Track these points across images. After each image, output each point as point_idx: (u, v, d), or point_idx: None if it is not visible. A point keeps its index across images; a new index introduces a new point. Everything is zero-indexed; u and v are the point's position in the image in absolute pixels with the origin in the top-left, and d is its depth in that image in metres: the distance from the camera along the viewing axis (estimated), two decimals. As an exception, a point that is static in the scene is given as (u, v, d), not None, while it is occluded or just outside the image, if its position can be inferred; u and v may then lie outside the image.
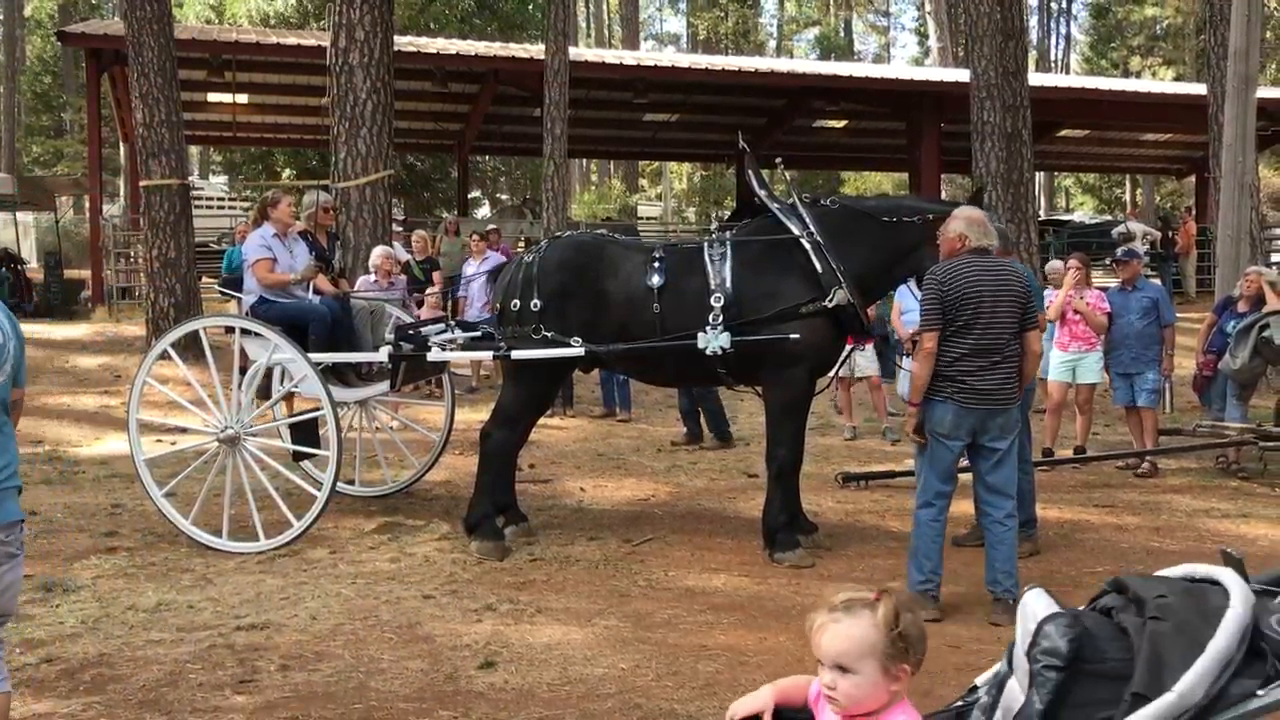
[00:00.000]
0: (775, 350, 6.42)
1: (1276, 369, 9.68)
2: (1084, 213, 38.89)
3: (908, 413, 5.67)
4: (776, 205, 6.74)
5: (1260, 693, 1.77)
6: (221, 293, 9.72)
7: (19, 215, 24.73)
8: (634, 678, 4.59)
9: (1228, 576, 1.94)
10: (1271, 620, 1.85)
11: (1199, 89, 18.03)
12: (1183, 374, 10.74)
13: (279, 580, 6.03)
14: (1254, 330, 8.65)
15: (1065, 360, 9.45)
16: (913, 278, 6.86)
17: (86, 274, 19.49)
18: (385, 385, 7.34)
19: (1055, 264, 10.59)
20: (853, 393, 10.82)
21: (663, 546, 6.85)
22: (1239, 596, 1.86)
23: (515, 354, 6.59)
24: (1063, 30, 54.39)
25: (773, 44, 54.83)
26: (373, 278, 10.30)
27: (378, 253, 10.50)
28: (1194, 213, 23.76)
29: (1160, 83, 34.29)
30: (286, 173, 29.21)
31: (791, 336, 6.32)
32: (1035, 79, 20.83)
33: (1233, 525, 7.48)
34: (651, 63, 24.25)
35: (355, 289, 8.60)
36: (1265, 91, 25.41)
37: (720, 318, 6.39)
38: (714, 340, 6.36)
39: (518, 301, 6.66)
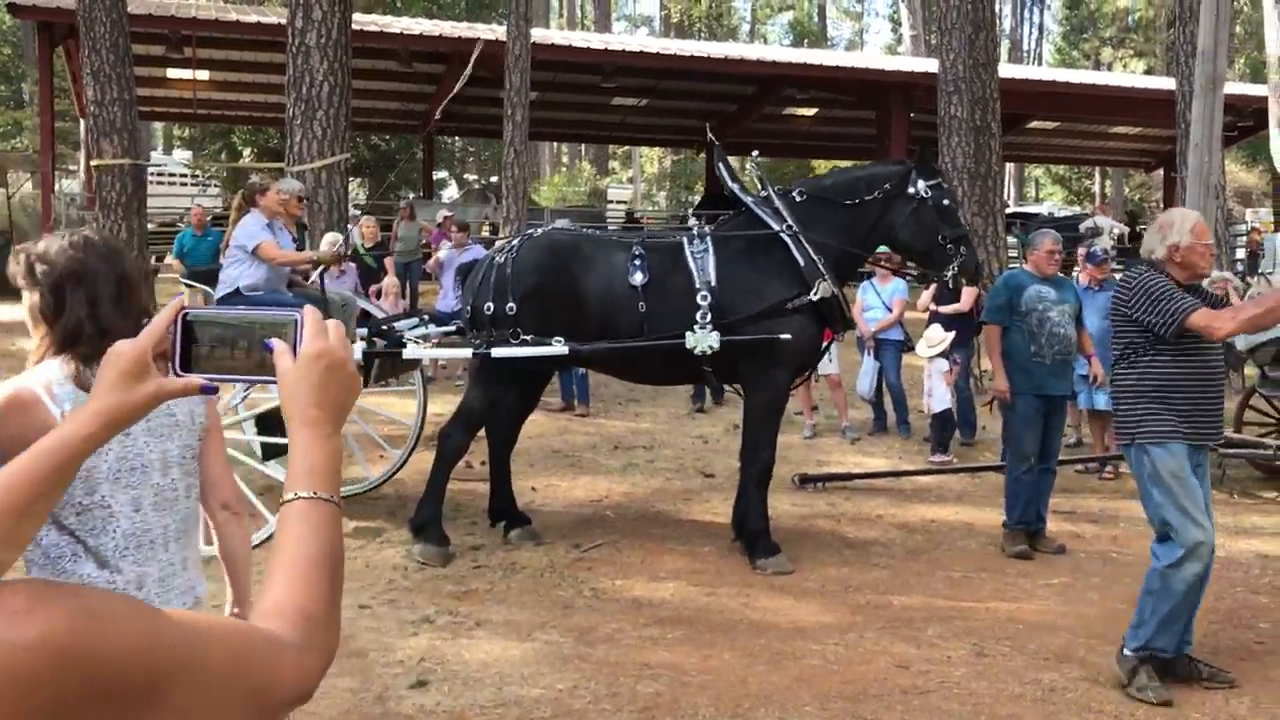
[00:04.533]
0: (763, 349, 6.30)
1: (1238, 373, 9.61)
2: (1053, 204, 38.92)
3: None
4: (750, 199, 6.62)
5: None
6: (186, 284, 9.42)
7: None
8: (571, 700, 4.43)
9: None
10: None
11: (1168, 83, 17.98)
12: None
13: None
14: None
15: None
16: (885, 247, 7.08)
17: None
18: None
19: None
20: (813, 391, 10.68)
21: (613, 552, 6.68)
22: None
23: (496, 352, 6.38)
24: (1036, 20, 54.52)
25: (746, 28, 54.58)
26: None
27: (326, 240, 10.24)
28: (1162, 207, 23.79)
29: (1130, 76, 34.35)
30: (247, 152, 28.75)
31: (783, 337, 6.22)
32: (1006, 70, 20.75)
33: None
34: (619, 46, 23.97)
35: (309, 280, 8.31)
36: (1234, 88, 25.49)
37: (708, 316, 6.25)
38: (703, 340, 6.22)
39: (491, 305, 6.44)
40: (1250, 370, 9.09)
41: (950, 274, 6.67)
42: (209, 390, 1.33)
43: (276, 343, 1.29)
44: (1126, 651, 4.65)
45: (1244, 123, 25.83)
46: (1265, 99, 23.41)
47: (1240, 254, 22.05)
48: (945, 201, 6.59)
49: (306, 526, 1.22)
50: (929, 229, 6.51)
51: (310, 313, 1.31)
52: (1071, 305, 7.03)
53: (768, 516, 6.57)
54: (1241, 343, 8.31)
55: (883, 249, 7.69)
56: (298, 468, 1.26)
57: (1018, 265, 18.15)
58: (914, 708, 4.42)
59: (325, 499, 1.24)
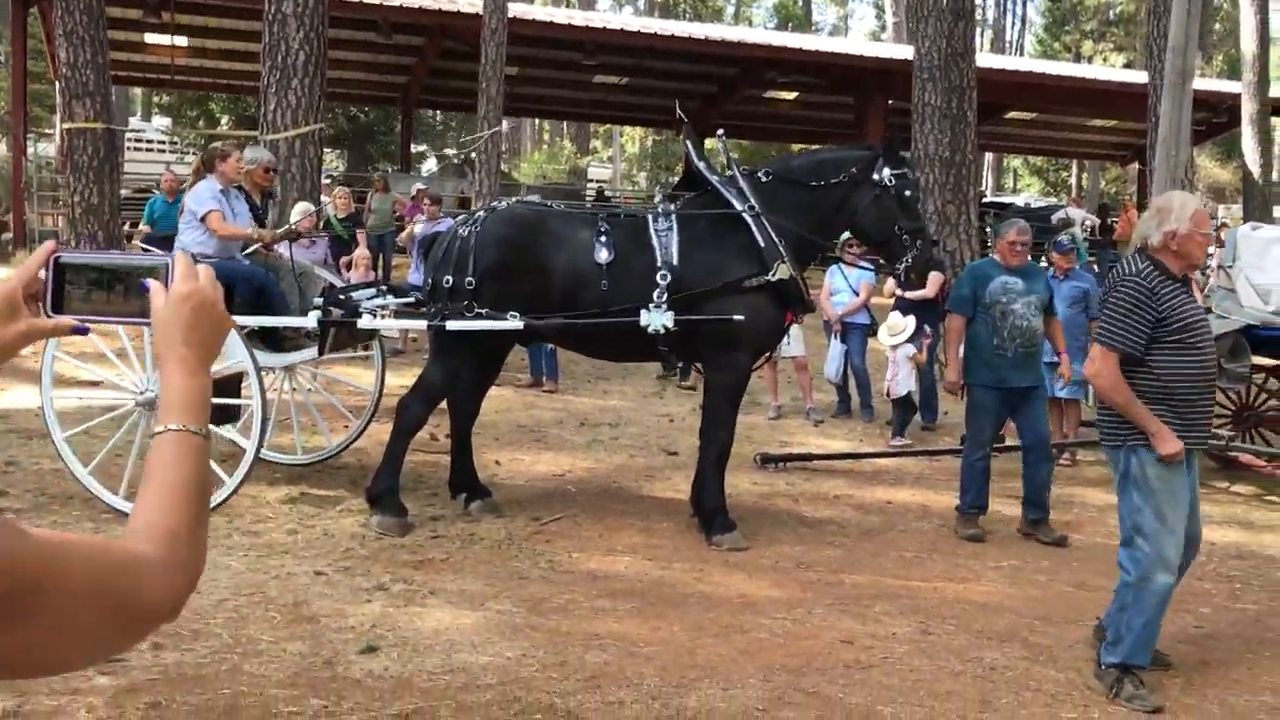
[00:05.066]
0: (719, 330, 6.33)
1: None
2: (1029, 195, 39.12)
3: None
4: (716, 178, 6.65)
5: None
6: (143, 248, 9.38)
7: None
8: (518, 668, 4.49)
9: None
10: None
11: (1143, 77, 18.10)
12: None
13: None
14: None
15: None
16: (849, 234, 7.14)
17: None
18: (313, 351, 7.12)
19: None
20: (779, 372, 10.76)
21: (571, 525, 6.74)
22: None
23: (451, 325, 6.39)
24: (1019, 11, 54.65)
25: (731, 10, 54.45)
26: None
27: (298, 210, 10.22)
28: (1135, 200, 23.98)
29: (1106, 69, 34.51)
30: (225, 120, 28.55)
31: (735, 318, 6.24)
32: (984, 60, 20.83)
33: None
34: (601, 24, 23.89)
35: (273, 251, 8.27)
36: (1210, 84, 25.68)
37: (665, 295, 6.28)
38: (657, 319, 6.25)
39: (450, 278, 6.43)
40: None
41: (903, 266, 6.65)
42: (80, 331, 1.38)
43: (152, 283, 1.34)
44: (1104, 664, 4.54)
45: (1218, 119, 26.05)
46: (1239, 96, 23.62)
47: (1211, 249, 22.24)
48: (907, 192, 6.61)
49: (176, 455, 1.27)
50: (887, 218, 6.53)
51: (180, 256, 1.36)
52: (1040, 296, 6.97)
53: (724, 495, 6.64)
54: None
55: (846, 236, 7.75)
56: (169, 402, 1.31)
57: (986, 253, 18.23)
58: (855, 681, 4.51)
59: (193, 431, 1.29)
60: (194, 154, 29.18)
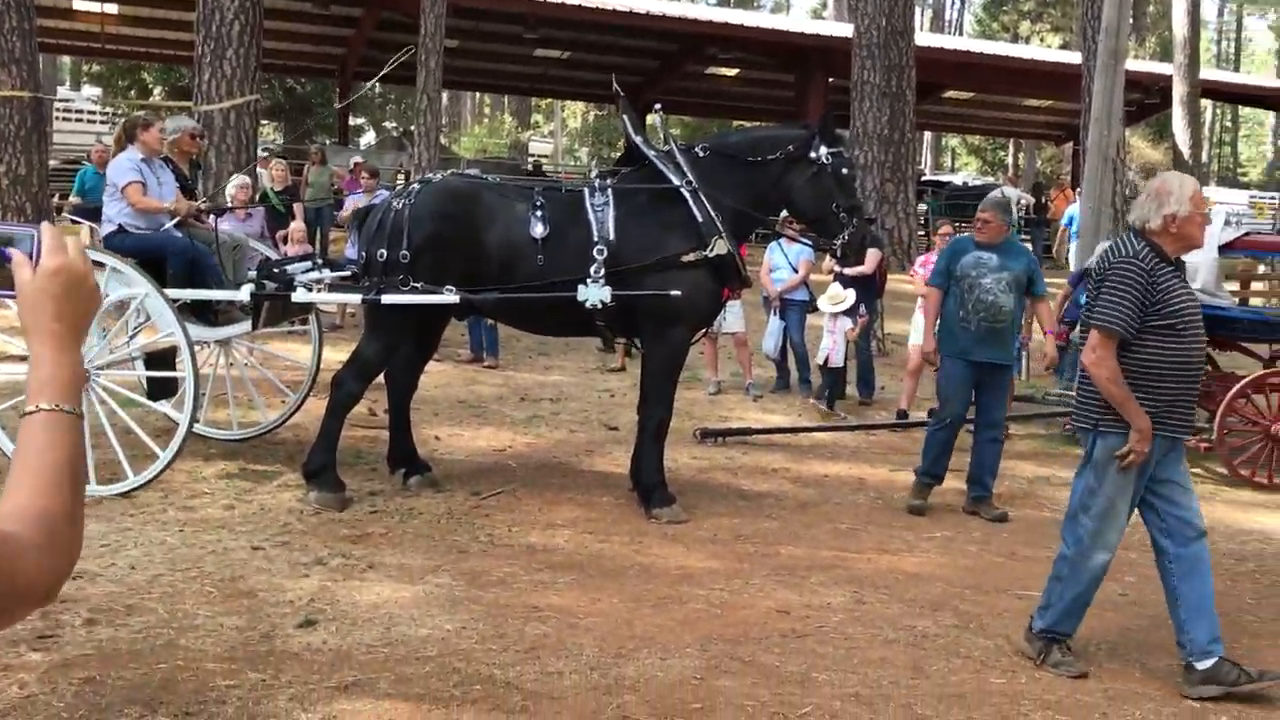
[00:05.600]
0: (657, 305, 6.35)
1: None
2: (967, 173, 39.63)
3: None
4: (654, 153, 6.66)
5: None
6: (71, 220, 9.17)
7: None
8: (458, 640, 4.51)
9: None
10: None
11: (1077, 58, 18.38)
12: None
13: (101, 526, 5.76)
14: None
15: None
16: (785, 211, 7.10)
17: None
18: (248, 325, 7.03)
19: None
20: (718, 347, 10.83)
21: (511, 500, 6.75)
22: None
23: (386, 298, 6.34)
24: (958, -10, 55.09)
25: (673, -15, 54.30)
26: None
27: (235, 183, 10.07)
28: (1070, 179, 24.37)
29: (1041, 49, 34.98)
30: (157, 90, 27.97)
31: (672, 293, 6.26)
32: (923, 39, 21.02)
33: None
34: (542, -2, 23.73)
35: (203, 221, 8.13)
36: (1142, 66, 26.12)
37: (602, 269, 6.29)
38: (594, 294, 6.26)
39: (385, 251, 6.37)
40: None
41: (839, 243, 6.65)
42: None
43: (14, 253, 1.29)
44: (1034, 629, 4.64)
45: (1150, 100, 26.54)
46: (1171, 78, 24.07)
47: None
48: (844, 170, 6.64)
49: (48, 436, 1.24)
50: (824, 196, 6.55)
51: (47, 227, 1.31)
52: (1013, 274, 6.89)
53: (663, 469, 6.69)
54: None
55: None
56: (40, 380, 1.27)
57: (924, 231, 18.44)
58: (790, 650, 4.59)
59: (66, 410, 1.27)
60: (125, 125, 28.68)
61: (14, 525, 1.14)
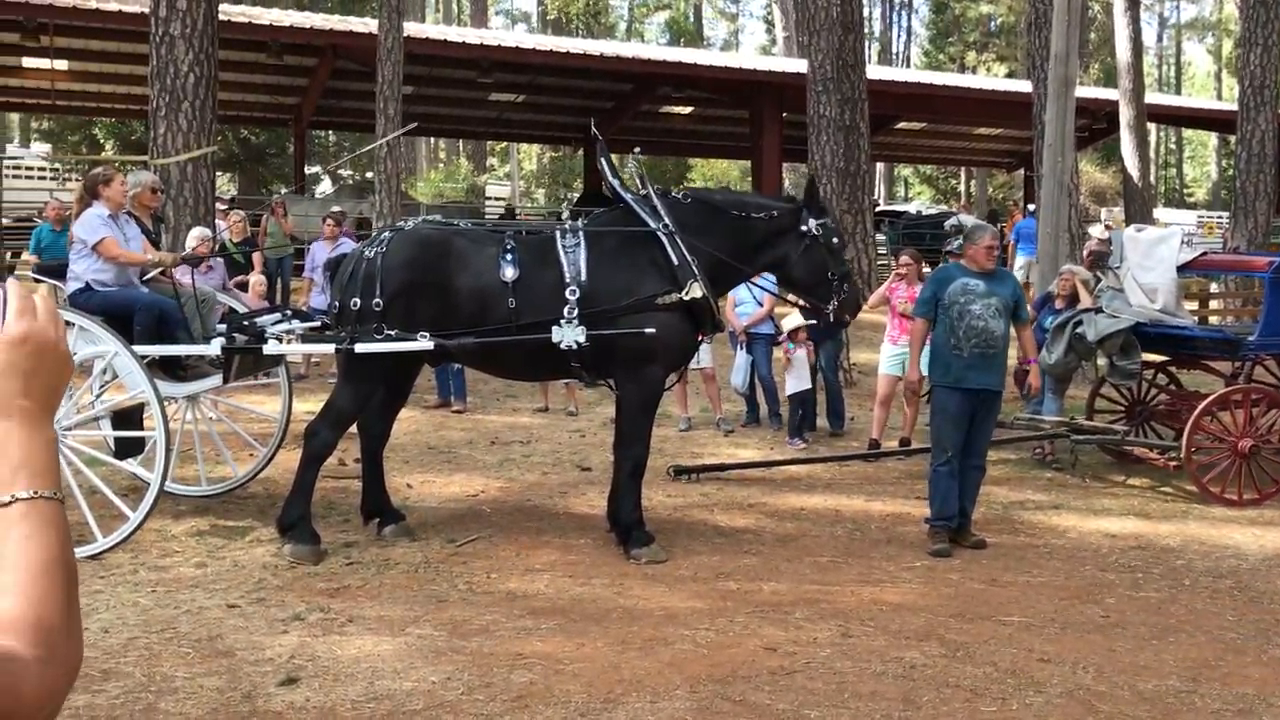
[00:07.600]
0: (631, 346, 6.35)
1: (1089, 364, 10.07)
2: (921, 203, 40.07)
3: None
4: (630, 196, 6.69)
5: None
6: (35, 279, 9.00)
7: None
8: (444, 691, 4.44)
9: None
10: None
11: (1027, 86, 18.70)
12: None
13: None
14: (1068, 327, 8.96)
15: (895, 354, 9.62)
16: (771, 272, 7.09)
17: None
18: (217, 379, 6.93)
19: None
20: (688, 384, 10.83)
21: (488, 546, 6.69)
22: None
23: (360, 347, 6.29)
24: (904, 24, 55.99)
25: (624, 26, 54.81)
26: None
27: (194, 235, 9.98)
28: (1022, 206, 24.69)
29: (992, 79, 35.60)
30: (110, 144, 27.77)
31: (647, 331, 6.28)
32: (874, 72, 21.29)
33: (1045, 517, 7.73)
34: (495, 42, 23.82)
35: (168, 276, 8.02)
36: (1088, 92, 26.59)
37: (575, 311, 6.28)
38: (569, 334, 6.25)
39: (358, 300, 6.34)
40: (1101, 360, 9.52)
41: (832, 307, 6.83)
42: None
43: None
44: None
45: (1098, 125, 27.01)
46: (1117, 103, 24.51)
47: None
48: (834, 240, 6.81)
49: (31, 528, 1.11)
50: (819, 267, 6.73)
51: (14, 286, 1.18)
52: (1002, 299, 6.92)
53: (641, 508, 6.66)
54: (1092, 332, 8.70)
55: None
56: (12, 465, 1.13)
57: (886, 263, 18.62)
58: (781, 687, 4.55)
59: (47, 496, 1.13)
60: (78, 180, 28.41)
61: (7, 637, 1.03)
